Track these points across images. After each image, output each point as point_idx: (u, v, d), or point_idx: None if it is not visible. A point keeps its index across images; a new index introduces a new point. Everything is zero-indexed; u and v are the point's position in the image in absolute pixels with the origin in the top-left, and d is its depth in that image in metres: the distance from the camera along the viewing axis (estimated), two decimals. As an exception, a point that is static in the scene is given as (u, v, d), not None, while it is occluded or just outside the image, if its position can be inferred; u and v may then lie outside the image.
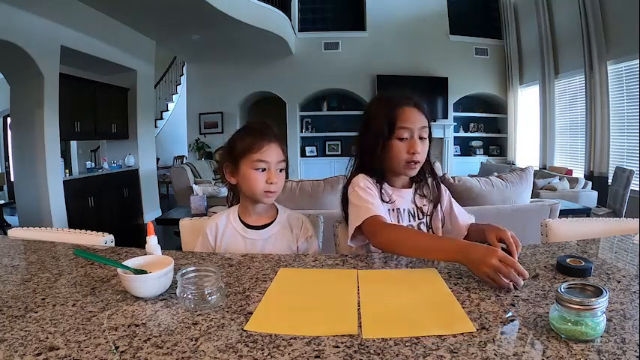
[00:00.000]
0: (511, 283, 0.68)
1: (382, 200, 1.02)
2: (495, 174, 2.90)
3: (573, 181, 4.19)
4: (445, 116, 7.08)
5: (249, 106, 8.01)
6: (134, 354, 0.50)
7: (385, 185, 1.05)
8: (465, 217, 1.13)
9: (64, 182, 4.11)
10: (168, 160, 8.71)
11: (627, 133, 4.45)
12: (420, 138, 1.00)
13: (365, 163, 1.06)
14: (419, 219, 1.07)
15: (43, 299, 0.69)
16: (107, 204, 4.81)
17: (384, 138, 1.00)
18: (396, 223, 1.01)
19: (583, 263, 0.75)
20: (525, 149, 6.73)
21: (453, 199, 1.14)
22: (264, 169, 1.00)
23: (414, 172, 1.03)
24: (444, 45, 7.05)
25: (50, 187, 3.90)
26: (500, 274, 0.67)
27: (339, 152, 7.40)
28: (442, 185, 1.13)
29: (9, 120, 5.88)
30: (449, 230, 1.11)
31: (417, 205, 1.08)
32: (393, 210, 1.04)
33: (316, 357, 0.49)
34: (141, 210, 5.46)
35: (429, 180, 1.11)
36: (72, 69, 4.58)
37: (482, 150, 7.48)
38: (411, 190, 1.09)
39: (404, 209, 1.06)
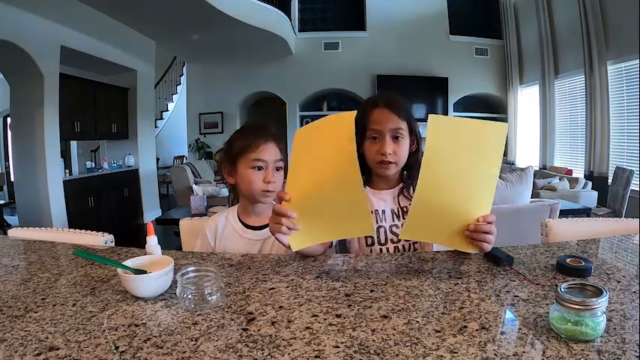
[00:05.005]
0: None
1: None
2: (495, 174, 2.89)
3: (573, 181, 4.20)
4: (445, 116, 7.08)
5: (249, 106, 8.01)
6: (134, 354, 0.50)
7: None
8: None
9: (64, 182, 4.11)
10: (168, 160, 8.70)
11: (627, 133, 4.44)
12: (396, 137, 1.00)
13: None
14: (404, 218, 1.06)
15: (43, 299, 0.69)
16: (107, 204, 4.81)
17: (358, 140, 1.02)
18: None
19: (583, 263, 0.75)
20: (525, 149, 6.72)
21: None
22: (261, 168, 1.00)
23: (388, 172, 1.03)
24: (444, 45, 7.04)
25: (50, 187, 3.90)
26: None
27: (339, 152, 7.39)
28: None
29: (9, 120, 5.88)
30: None
31: (400, 206, 1.07)
32: (372, 212, 1.05)
33: (316, 357, 0.49)
34: (141, 210, 5.46)
35: None
36: (72, 69, 4.59)
37: (482, 150, 7.47)
38: (392, 191, 1.08)
39: (384, 210, 1.06)
